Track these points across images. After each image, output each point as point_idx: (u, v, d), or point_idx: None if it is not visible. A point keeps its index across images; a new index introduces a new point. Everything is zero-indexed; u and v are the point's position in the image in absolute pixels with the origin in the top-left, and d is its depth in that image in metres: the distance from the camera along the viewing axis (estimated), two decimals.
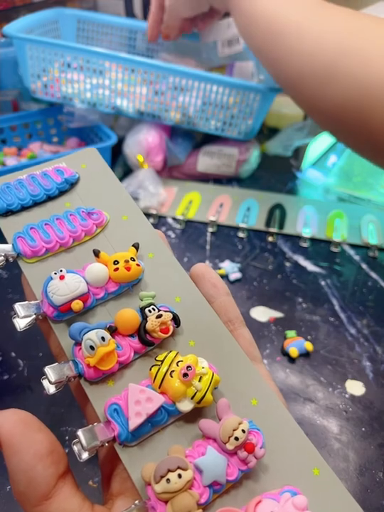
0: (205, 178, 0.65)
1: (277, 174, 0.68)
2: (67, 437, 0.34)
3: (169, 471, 0.15)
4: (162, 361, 0.18)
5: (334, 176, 0.66)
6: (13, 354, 0.41)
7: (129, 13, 1.09)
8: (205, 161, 0.63)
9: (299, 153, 0.70)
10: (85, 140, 0.67)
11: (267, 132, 0.78)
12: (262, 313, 0.45)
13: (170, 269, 0.21)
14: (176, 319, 0.19)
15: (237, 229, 0.56)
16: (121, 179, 0.62)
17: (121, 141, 0.63)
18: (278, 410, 0.18)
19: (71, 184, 0.23)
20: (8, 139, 0.66)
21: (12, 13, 0.90)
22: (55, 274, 0.19)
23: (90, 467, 0.33)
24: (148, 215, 0.57)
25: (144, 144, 0.61)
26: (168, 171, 0.65)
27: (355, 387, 0.39)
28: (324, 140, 0.70)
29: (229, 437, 0.16)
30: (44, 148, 0.66)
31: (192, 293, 0.21)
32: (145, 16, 1.12)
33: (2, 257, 0.20)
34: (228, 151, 0.63)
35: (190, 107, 0.59)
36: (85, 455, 0.16)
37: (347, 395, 0.38)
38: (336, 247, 0.53)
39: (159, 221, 0.58)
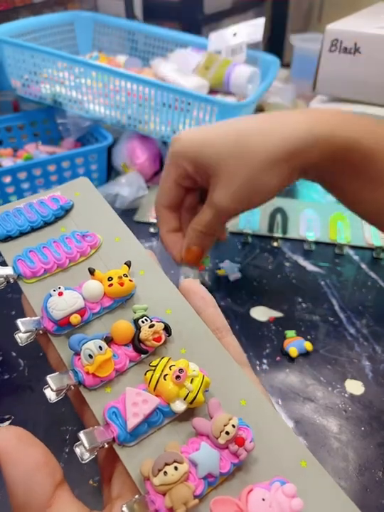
0: None
1: None
2: (67, 436, 0.35)
3: (166, 464, 0.16)
4: (156, 366, 0.19)
5: None
6: (13, 354, 0.41)
7: (129, 13, 1.09)
8: None
9: None
10: (81, 141, 0.67)
11: None
12: (261, 313, 0.46)
13: (160, 285, 0.23)
14: (167, 329, 0.20)
15: (240, 235, 0.56)
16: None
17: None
18: (266, 409, 0.19)
19: (66, 210, 0.25)
20: (4, 140, 0.66)
21: (12, 14, 0.90)
22: (54, 291, 0.20)
23: (90, 467, 0.33)
24: (141, 222, 0.57)
25: (124, 151, 0.62)
26: None
27: (355, 387, 0.39)
28: None
29: (220, 432, 0.17)
30: (40, 149, 0.66)
31: (182, 305, 0.22)
32: (145, 17, 1.13)
33: (3, 279, 0.22)
34: None
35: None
36: (87, 455, 0.17)
37: (346, 395, 0.38)
38: (341, 249, 0.53)
39: (159, 230, 0.57)
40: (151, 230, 0.56)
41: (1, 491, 0.32)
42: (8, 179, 0.54)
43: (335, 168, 0.34)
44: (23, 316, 0.20)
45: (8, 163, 0.60)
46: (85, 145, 0.66)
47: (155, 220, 0.56)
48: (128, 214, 0.58)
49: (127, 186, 0.58)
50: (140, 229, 0.56)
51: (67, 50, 0.75)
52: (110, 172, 0.65)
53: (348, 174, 0.34)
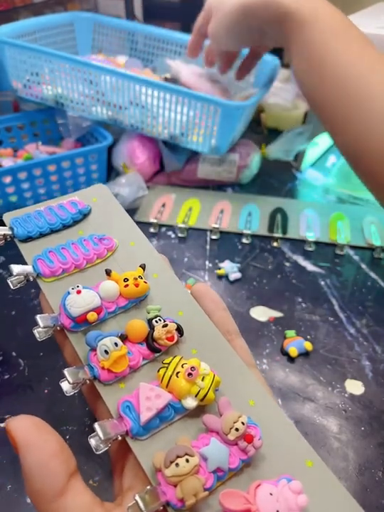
0: (205, 185, 0.65)
1: (277, 176, 0.68)
2: (67, 436, 0.35)
3: (178, 456, 0.16)
4: (169, 364, 0.20)
5: (333, 176, 0.67)
6: (13, 354, 0.41)
7: (129, 14, 1.09)
8: (206, 167, 0.63)
9: (298, 154, 0.70)
10: (81, 141, 0.67)
11: (267, 133, 0.79)
12: (261, 313, 0.46)
13: (173, 288, 0.24)
14: (179, 329, 0.21)
15: (240, 235, 0.56)
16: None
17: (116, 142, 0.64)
18: (273, 409, 0.20)
19: (84, 215, 0.26)
20: (4, 140, 0.66)
21: (12, 14, 0.90)
22: (73, 289, 0.21)
23: (91, 466, 0.33)
24: (140, 223, 0.57)
25: (124, 151, 0.62)
26: (167, 178, 0.65)
27: (355, 387, 0.39)
28: (323, 141, 0.71)
29: (230, 429, 0.18)
30: (40, 149, 0.66)
31: (193, 308, 0.23)
32: (145, 18, 1.13)
33: (23, 277, 0.23)
34: (229, 156, 0.62)
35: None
36: (101, 447, 0.18)
37: (346, 395, 0.38)
38: (341, 249, 0.53)
39: (159, 230, 0.57)
40: (151, 229, 0.56)
41: (1, 492, 0.32)
42: (8, 179, 0.54)
43: (281, 31, 0.42)
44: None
45: (8, 163, 0.60)
46: (85, 145, 0.66)
47: (155, 220, 0.57)
48: (128, 214, 0.58)
49: (127, 186, 0.58)
50: (140, 229, 0.56)
51: (67, 50, 0.75)
52: (110, 172, 0.65)
53: (287, 40, 0.42)
